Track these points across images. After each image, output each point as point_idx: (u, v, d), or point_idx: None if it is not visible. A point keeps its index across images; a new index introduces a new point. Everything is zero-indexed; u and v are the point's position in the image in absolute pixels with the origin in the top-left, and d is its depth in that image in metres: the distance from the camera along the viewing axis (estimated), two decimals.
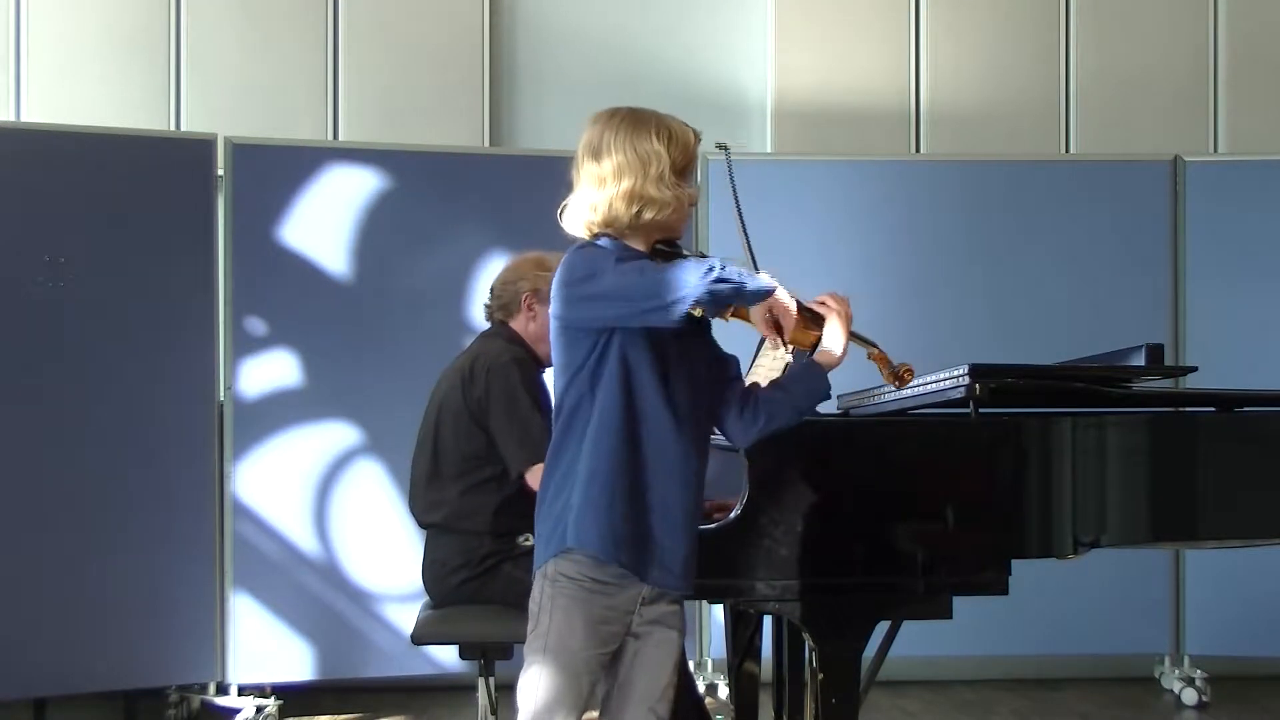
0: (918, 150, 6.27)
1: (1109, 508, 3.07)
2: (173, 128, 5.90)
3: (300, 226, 5.46)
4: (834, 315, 2.82)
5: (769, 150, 6.16)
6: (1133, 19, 6.35)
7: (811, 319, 2.82)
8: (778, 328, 2.74)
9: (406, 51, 6.12)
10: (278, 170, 5.47)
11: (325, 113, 6.06)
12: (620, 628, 2.75)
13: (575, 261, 2.75)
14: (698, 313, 2.65)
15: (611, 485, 2.70)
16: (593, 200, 2.77)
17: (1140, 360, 3.28)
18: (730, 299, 2.69)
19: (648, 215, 2.75)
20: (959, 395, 3.04)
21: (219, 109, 5.92)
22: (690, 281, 2.62)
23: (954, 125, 6.27)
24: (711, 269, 2.64)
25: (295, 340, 5.44)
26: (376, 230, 5.51)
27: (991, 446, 2.97)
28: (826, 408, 3.54)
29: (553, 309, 2.76)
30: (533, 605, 2.76)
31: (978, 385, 2.99)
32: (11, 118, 5.85)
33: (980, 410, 3.03)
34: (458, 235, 5.58)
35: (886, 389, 3.38)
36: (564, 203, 2.82)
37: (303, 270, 5.46)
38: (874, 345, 2.89)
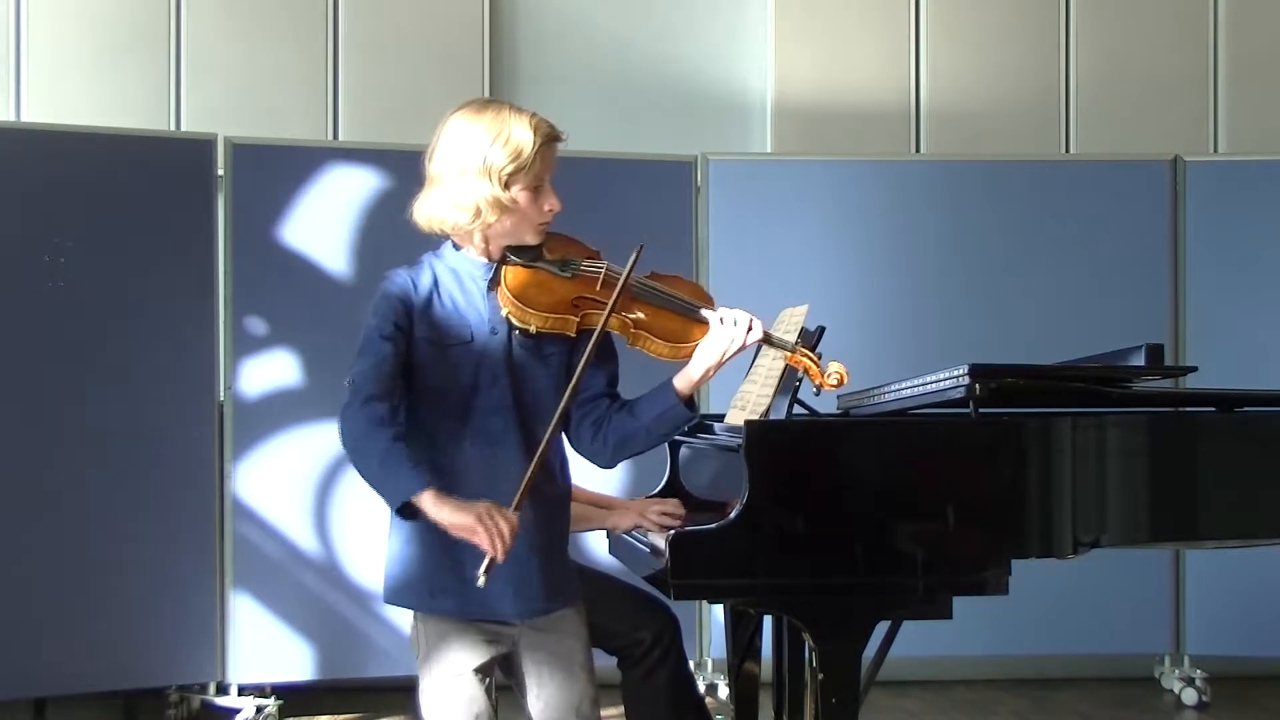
0: (918, 150, 6.27)
1: (1109, 508, 3.06)
2: (173, 128, 5.90)
3: (300, 226, 5.46)
4: (712, 331, 2.67)
5: (769, 150, 6.15)
6: (1133, 19, 6.35)
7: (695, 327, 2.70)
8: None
9: (406, 51, 6.12)
10: (278, 170, 5.46)
11: (325, 113, 6.06)
12: (503, 638, 2.70)
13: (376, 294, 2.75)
14: None
15: (421, 536, 2.61)
16: (421, 200, 2.74)
17: (1140, 360, 3.28)
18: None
19: (452, 220, 2.68)
20: (959, 395, 3.03)
21: (219, 109, 5.92)
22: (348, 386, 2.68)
23: (954, 125, 6.27)
24: (353, 392, 2.66)
25: (295, 340, 5.44)
26: (376, 230, 5.50)
27: (991, 446, 2.97)
28: (826, 407, 3.55)
29: None
30: (411, 633, 2.75)
31: (978, 385, 2.98)
32: (11, 118, 5.85)
33: (980, 410, 3.02)
34: None
35: (886, 389, 3.37)
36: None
37: (303, 270, 5.46)
38: (791, 348, 2.80)
